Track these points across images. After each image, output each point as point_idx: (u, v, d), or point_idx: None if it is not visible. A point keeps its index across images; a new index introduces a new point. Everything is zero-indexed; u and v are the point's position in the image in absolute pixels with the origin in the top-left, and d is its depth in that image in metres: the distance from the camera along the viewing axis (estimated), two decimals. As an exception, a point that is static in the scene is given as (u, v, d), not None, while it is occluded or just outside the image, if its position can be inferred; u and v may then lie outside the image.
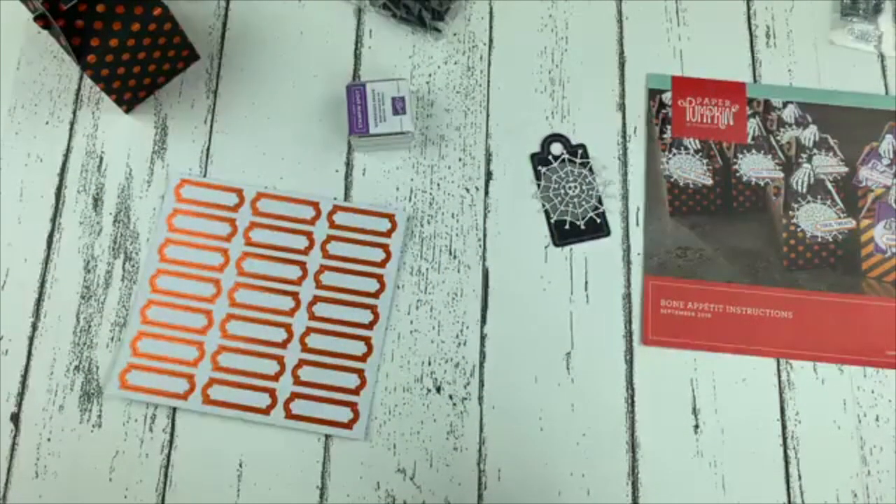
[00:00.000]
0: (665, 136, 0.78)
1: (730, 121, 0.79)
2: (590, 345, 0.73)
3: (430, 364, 0.72)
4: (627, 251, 0.75)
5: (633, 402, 0.71)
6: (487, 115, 0.79)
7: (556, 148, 0.78)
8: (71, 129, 0.77)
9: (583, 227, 0.75)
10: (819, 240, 0.75)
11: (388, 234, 0.74)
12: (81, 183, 0.75)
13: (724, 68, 0.81)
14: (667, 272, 0.74)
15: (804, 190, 0.77)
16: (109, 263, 0.73)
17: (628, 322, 0.73)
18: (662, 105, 0.79)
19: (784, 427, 0.70)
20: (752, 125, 0.79)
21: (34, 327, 0.72)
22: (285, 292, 0.73)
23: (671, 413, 0.71)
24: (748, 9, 0.83)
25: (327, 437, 0.70)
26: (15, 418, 0.69)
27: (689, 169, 0.77)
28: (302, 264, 0.73)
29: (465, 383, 0.71)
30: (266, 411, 0.70)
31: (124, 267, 0.73)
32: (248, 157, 0.77)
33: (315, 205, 0.75)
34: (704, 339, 0.72)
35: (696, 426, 0.70)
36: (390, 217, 0.75)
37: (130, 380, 0.70)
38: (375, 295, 0.73)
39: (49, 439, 0.69)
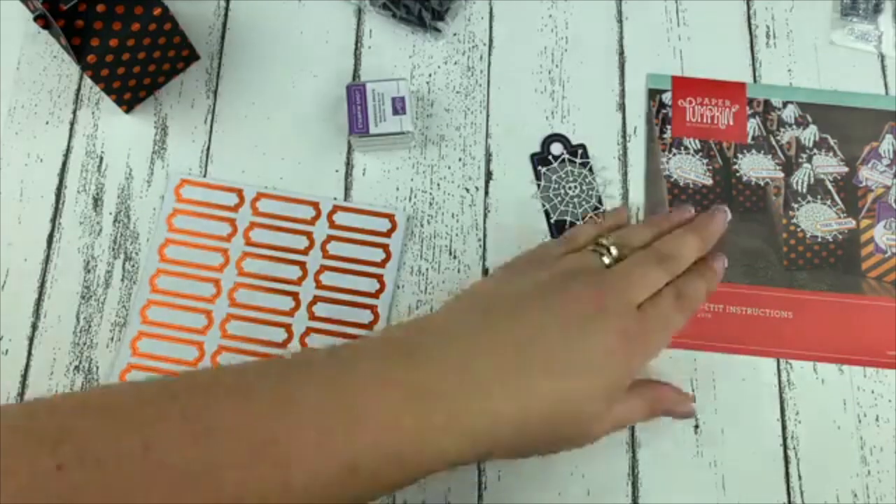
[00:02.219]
0: (665, 136, 0.78)
1: (730, 121, 0.79)
2: (590, 345, 0.72)
3: (430, 364, 0.72)
4: (627, 251, 0.75)
5: (633, 402, 0.71)
6: (487, 115, 0.79)
7: (556, 148, 0.78)
8: (71, 129, 0.77)
9: (583, 227, 0.75)
10: (819, 240, 0.75)
11: (388, 234, 0.74)
12: (81, 183, 0.75)
13: (724, 68, 0.80)
14: (667, 272, 0.74)
15: (804, 190, 0.77)
16: (109, 263, 0.73)
17: (628, 322, 0.73)
18: (662, 105, 0.79)
19: (784, 427, 0.70)
20: (752, 125, 0.79)
21: (34, 327, 0.71)
22: (285, 292, 0.73)
23: (671, 413, 0.71)
24: (748, 9, 0.83)
25: (327, 437, 0.70)
26: (15, 418, 0.69)
27: (689, 169, 0.77)
28: (302, 264, 0.73)
29: (465, 383, 0.71)
30: (266, 411, 0.70)
31: (124, 267, 0.73)
32: (248, 157, 0.77)
33: (315, 205, 0.75)
34: (704, 339, 0.72)
35: (696, 426, 0.70)
36: (390, 217, 0.75)
37: (131, 380, 0.70)
38: (375, 295, 0.73)
39: (49, 439, 0.69)
